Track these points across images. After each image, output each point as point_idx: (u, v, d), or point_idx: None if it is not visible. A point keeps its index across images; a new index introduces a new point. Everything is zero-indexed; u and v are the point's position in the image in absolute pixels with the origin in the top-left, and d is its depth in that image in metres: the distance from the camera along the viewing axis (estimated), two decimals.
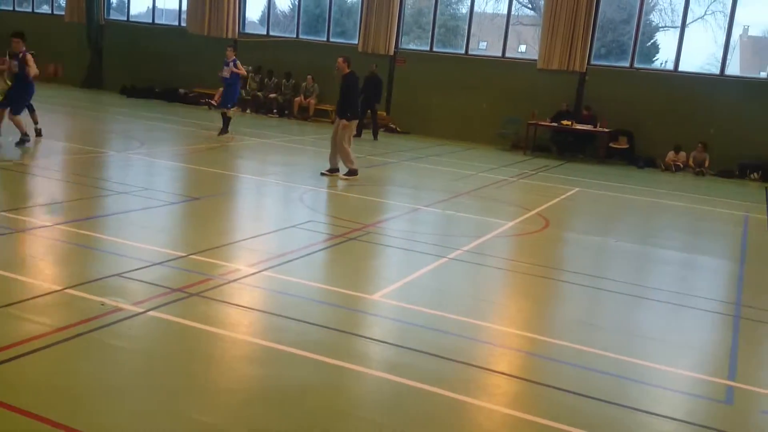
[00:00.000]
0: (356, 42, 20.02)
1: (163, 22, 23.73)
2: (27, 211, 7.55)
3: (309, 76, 20.16)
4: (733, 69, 18.35)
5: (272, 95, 20.74)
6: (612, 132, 17.22)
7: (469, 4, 19.33)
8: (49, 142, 12.01)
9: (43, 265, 5.89)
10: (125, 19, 24.10)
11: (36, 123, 12.09)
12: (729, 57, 17.15)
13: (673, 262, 8.22)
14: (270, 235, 7.65)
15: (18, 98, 11.22)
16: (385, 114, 19.39)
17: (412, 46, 20.39)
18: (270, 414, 3.79)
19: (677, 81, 17.10)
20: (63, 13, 24.07)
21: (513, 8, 19.03)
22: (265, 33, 21.83)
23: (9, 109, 11.14)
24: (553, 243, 8.56)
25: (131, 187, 9.20)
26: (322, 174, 11.20)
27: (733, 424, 4.18)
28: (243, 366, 4.41)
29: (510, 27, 18.95)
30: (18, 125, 11.15)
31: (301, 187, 10.27)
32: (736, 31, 17.76)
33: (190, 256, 6.28)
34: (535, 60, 18.33)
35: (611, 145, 17.33)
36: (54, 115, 14.64)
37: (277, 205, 9.73)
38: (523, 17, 20.76)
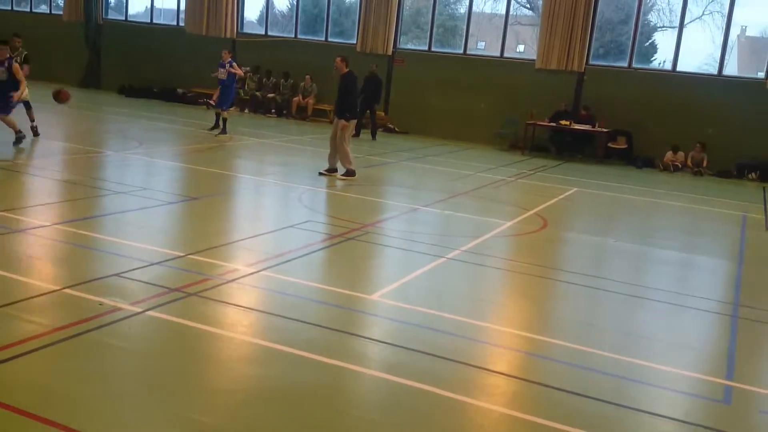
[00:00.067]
0: (355, 42, 20.02)
1: (162, 21, 23.71)
2: (25, 211, 7.54)
3: (307, 76, 20.15)
4: (731, 69, 18.38)
5: (270, 95, 20.72)
6: (610, 132, 17.23)
7: (467, 3, 19.32)
8: (46, 141, 11.99)
9: (40, 264, 5.89)
10: (123, 18, 24.08)
11: (32, 121, 12.04)
12: (727, 57, 17.18)
13: (672, 262, 8.23)
14: (268, 235, 7.65)
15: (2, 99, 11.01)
16: (383, 114, 19.38)
17: (410, 46, 20.39)
18: (268, 414, 3.79)
19: (675, 81, 17.11)
20: (61, 12, 24.04)
21: (511, 8, 19.03)
22: (263, 33, 21.82)
23: None
24: (552, 243, 8.56)
25: (129, 187, 9.19)
26: (321, 174, 11.20)
27: (731, 423, 4.18)
28: (241, 366, 4.41)
29: (508, 27, 18.95)
30: (10, 125, 11.07)
31: (300, 187, 10.26)
32: (734, 32, 17.80)
33: (189, 256, 6.28)
34: (533, 60, 18.33)
35: (609, 145, 17.34)
36: (52, 115, 14.62)
37: (275, 205, 9.73)
38: (521, 17, 20.77)
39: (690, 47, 17.35)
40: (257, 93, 20.84)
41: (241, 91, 20.47)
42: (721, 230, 10.51)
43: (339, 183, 10.89)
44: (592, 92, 17.70)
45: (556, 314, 6.03)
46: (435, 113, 19.13)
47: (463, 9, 20.09)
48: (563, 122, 17.06)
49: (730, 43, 17.29)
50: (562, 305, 6.34)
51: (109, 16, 24.27)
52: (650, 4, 18.85)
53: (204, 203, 8.84)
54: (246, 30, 22.30)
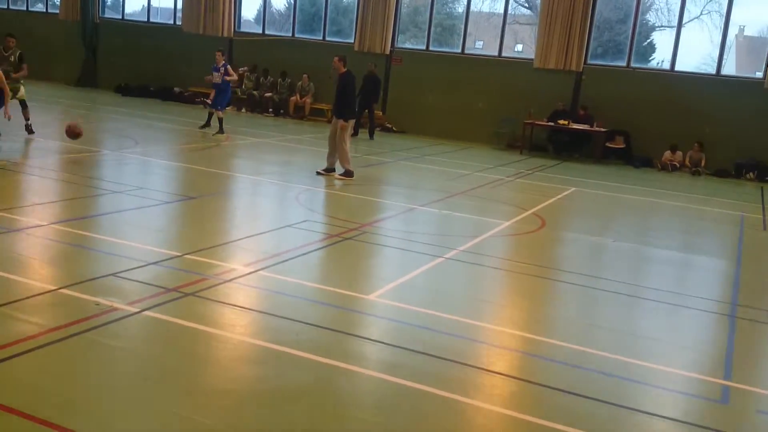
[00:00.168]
0: (352, 41, 20.00)
1: (158, 20, 23.67)
2: (21, 211, 7.51)
3: (305, 75, 20.13)
4: (729, 69, 18.40)
5: (268, 94, 20.70)
6: (608, 131, 17.24)
7: (465, 2, 19.31)
8: (43, 141, 11.97)
9: (37, 264, 5.87)
10: (120, 17, 24.04)
11: (27, 120, 12.05)
12: (725, 57, 17.20)
13: (670, 261, 8.23)
14: (266, 234, 7.63)
15: None
16: (381, 113, 19.37)
17: (408, 45, 20.38)
18: (265, 414, 3.77)
19: (673, 81, 17.12)
20: (58, 11, 24.00)
21: (509, 7, 19.04)
22: (260, 32, 21.80)
23: None
24: (550, 243, 8.55)
25: (126, 187, 9.17)
26: (318, 173, 11.18)
27: (729, 423, 4.17)
28: (239, 366, 4.39)
29: (506, 26, 18.95)
30: None
31: (297, 187, 10.24)
32: (732, 31, 17.81)
33: (186, 256, 6.26)
34: (531, 59, 18.33)
35: (608, 144, 17.34)
36: (48, 114, 14.59)
37: (273, 204, 9.71)
38: (519, 16, 20.77)
39: (688, 47, 17.36)
40: (254, 92, 20.81)
41: (239, 90, 20.45)
42: (719, 230, 10.51)
43: (337, 183, 10.87)
44: (591, 92, 17.71)
45: (554, 314, 6.02)
46: (433, 113, 19.12)
47: (461, 8, 20.07)
48: (561, 122, 17.06)
49: (728, 42, 17.30)
50: (560, 305, 6.33)
51: (106, 15, 24.22)
52: (648, 3, 18.86)
53: (201, 203, 8.81)
54: (243, 29, 22.27)
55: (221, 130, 14.80)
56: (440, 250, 7.37)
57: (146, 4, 23.47)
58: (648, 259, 8.26)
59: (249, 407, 3.83)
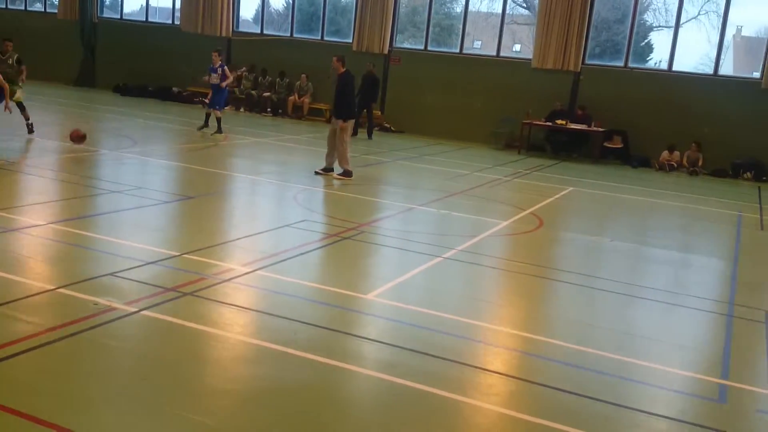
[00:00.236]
0: (351, 41, 19.99)
1: (157, 20, 23.66)
2: (19, 210, 7.50)
3: (303, 75, 20.12)
4: (727, 69, 18.42)
5: (266, 94, 20.69)
6: (606, 131, 17.25)
7: (463, 2, 19.31)
8: (41, 140, 11.96)
9: (35, 264, 5.86)
10: (119, 17, 24.01)
11: (27, 119, 12.09)
12: (722, 57, 17.22)
13: (667, 261, 8.24)
14: (264, 234, 7.63)
15: None
16: (379, 113, 19.37)
17: (406, 45, 20.38)
18: (263, 413, 3.78)
19: (671, 81, 17.14)
20: (56, 10, 23.97)
21: (507, 7, 19.04)
22: (259, 31, 21.79)
23: None
24: (548, 242, 8.56)
25: (124, 186, 9.16)
26: (317, 173, 11.18)
27: (727, 422, 4.18)
28: (237, 366, 4.39)
29: (504, 26, 18.96)
30: None
31: (296, 187, 10.24)
32: (730, 31, 17.81)
33: (184, 256, 6.26)
34: (529, 59, 18.34)
35: (605, 144, 17.36)
36: (46, 114, 14.58)
37: (271, 204, 9.71)
38: (517, 16, 20.78)
39: (686, 47, 17.38)
40: (253, 92, 20.80)
41: (237, 89, 20.45)
42: (717, 229, 10.53)
43: (335, 182, 10.87)
44: (588, 92, 17.72)
45: (552, 313, 6.03)
46: (431, 112, 19.12)
47: (459, 8, 20.08)
48: (559, 121, 17.07)
49: (725, 42, 17.33)
50: (558, 305, 6.34)
51: (105, 15, 24.19)
52: (646, 3, 18.87)
53: (199, 202, 8.81)
54: (242, 29, 22.26)
55: (219, 130, 14.78)
56: (438, 249, 7.37)
57: (144, 4, 23.47)
58: (645, 259, 8.27)
59: (247, 406, 3.84)
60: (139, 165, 11.11)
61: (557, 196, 11.65)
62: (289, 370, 4.27)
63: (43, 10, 25.12)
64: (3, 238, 6.43)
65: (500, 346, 5.09)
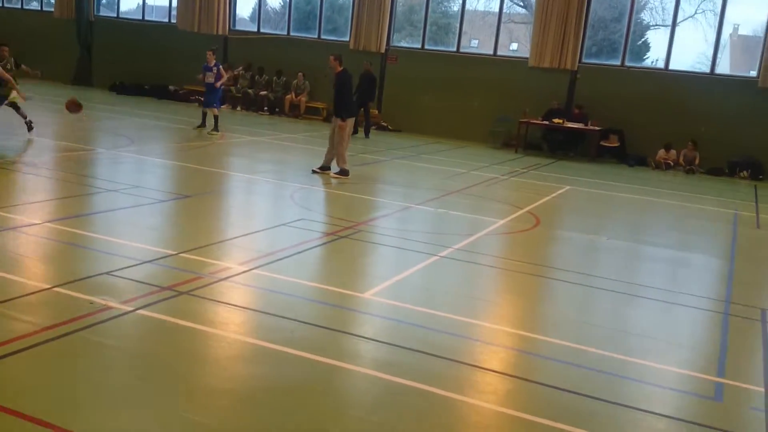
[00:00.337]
0: (348, 39, 19.98)
1: (153, 18, 23.61)
2: (15, 209, 7.48)
3: (300, 74, 20.10)
4: (723, 68, 18.42)
5: (263, 93, 20.66)
6: (603, 130, 17.26)
7: (460, 1, 19.31)
8: (37, 139, 11.93)
9: (31, 263, 5.85)
10: (115, 15, 23.96)
11: (25, 118, 12.07)
12: (719, 56, 17.23)
13: (664, 259, 8.26)
14: (261, 233, 7.63)
15: None
16: (376, 112, 19.36)
17: (403, 44, 20.36)
18: (260, 412, 3.78)
19: (668, 79, 17.16)
20: (52, 9, 23.91)
21: (504, 6, 19.04)
22: (255, 30, 21.76)
23: None
24: (544, 241, 8.57)
25: (121, 185, 9.15)
26: (314, 172, 11.17)
27: (723, 420, 4.19)
28: (234, 365, 4.39)
29: (501, 25, 18.96)
30: None
31: (292, 185, 10.24)
32: (726, 30, 17.82)
33: (180, 254, 6.25)
34: (526, 58, 18.34)
35: (602, 143, 17.38)
36: (42, 112, 14.53)
37: (267, 203, 9.70)
38: (514, 15, 20.78)
39: (682, 46, 17.39)
40: (249, 90, 20.78)
41: (233, 88, 20.42)
42: (713, 228, 10.55)
43: (332, 181, 10.87)
44: (585, 90, 17.73)
45: (549, 312, 6.04)
46: (428, 111, 19.12)
47: (456, 7, 20.07)
48: (556, 120, 17.07)
49: (722, 41, 17.34)
50: (554, 303, 6.35)
51: (101, 13, 24.15)
52: (643, 2, 18.88)
53: (196, 201, 8.80)
54: (238, 27, 22.23)
55: (216, 128, 14.78)
56: (435, 248, 7.37)
57: (141, 2, 23.41)
58: (642, 257, 8.29)
59: (244, 405, 3.83)
60: (136, 163, 11.09)
61: (554, 194, 11.66)
62: (285, 369, 4.27)
63: (39, 8, 25.05)
64: None
65: (497, 345, 5.09)
